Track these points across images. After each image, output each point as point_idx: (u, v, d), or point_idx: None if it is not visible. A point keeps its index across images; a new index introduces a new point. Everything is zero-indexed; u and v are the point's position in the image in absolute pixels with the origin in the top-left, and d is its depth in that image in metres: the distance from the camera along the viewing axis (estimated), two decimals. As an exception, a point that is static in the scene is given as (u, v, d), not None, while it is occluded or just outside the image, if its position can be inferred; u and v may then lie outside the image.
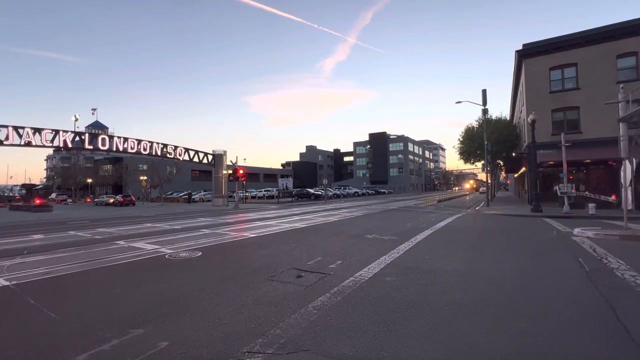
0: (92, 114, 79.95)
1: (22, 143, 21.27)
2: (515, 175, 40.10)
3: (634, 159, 10.10)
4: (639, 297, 4.41)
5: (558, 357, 2.91)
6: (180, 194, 46.39)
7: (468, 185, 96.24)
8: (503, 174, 54.43)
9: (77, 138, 24.25)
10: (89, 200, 51.53)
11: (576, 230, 10.24)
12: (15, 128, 21.07)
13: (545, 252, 7.58)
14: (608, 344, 3.14)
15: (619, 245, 8.09)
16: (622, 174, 9.94)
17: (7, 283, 5.54)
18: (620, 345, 3.11)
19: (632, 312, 3.87)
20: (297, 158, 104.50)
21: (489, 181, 28.95)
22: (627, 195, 9.94)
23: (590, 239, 9.00)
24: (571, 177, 19.41)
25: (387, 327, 3.56)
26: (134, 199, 39.84)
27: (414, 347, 3.12)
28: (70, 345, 3.27)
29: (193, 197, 44.42)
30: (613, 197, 16.77)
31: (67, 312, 4.19)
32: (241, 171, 29.12)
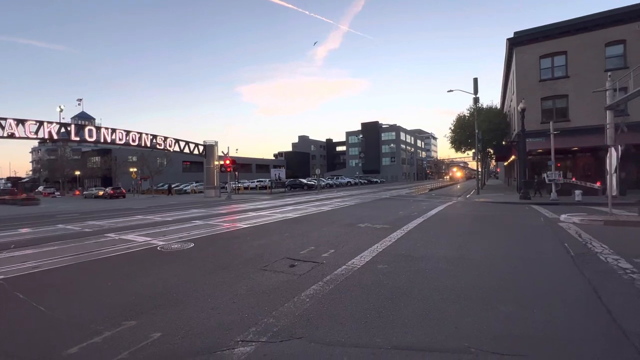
0: (78, 104, 77.81)
1: (5, 135, 20.61)
2: (505, 164, 40.65)
3: (619, 146, 10.31)
4: (621, 280, 4.56)
5: (543, 339, 3.01)
6: (172, 186, 45.86)
7: (460, 173, 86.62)
8: (493, 162, 55.11)
9: (63, 129, 23.59)
10: (77, 193, 50.61)
11: (563, 217, 10.49)
12: (-3, 119, 20.37)
13: (532, 238, 7.76)
14: (591, 325, 3.25)
15: (603, 231, 8.33)
16: (607, 161, 10.16)
17: (-5, 278, 5.44)
18: (602, 326, 3.22)
19: (614, 295, 4.01)
20: (289, 148, 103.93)
21: (480, 169, 29.31)
22: (612, 181, 10.19)
23: (576, 225, 9.24)
24: (559, 165, 19.78)
25: (379, 314, 3.62)
26: (124, 191, 39.27)
27: (406, 332, 3.19)
28: (61, 338, 3.25)
29: (185, 189, 44.01)
30: (598, 184, 17.19)
31: (58, 306, 4.14)
32: (227, 161, 28.83)
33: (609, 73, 12.45)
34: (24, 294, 4.58)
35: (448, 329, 3.23)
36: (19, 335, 3.38)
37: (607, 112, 10.86)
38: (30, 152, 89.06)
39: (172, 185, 45.44)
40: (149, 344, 3.07)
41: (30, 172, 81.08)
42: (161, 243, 8.11)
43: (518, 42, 23.24)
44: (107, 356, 2.87)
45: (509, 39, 23.98)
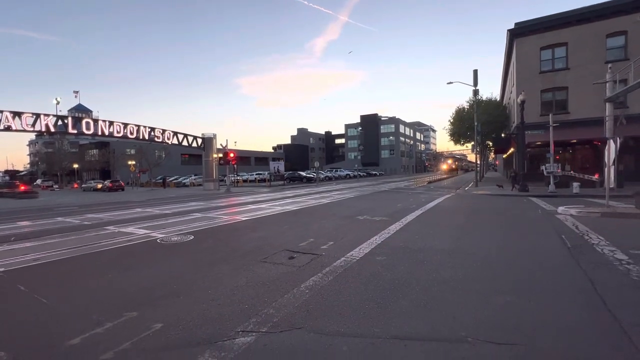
0: (75, 96, 76.91)
1: (1, 127, 20.49)
2: (504, 156, 40.67)
3: (617, 139, 10.32)
4: (617, 271, 4.62)
5: (539, 328, 3.05)
6: (170, 179, 45.80)
7: (454, 166, 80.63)
8: (492, 154, 55.10)
9: (60, 122, 23.46)
10: (76, 186, 50.45)
11: (560, 209, 10.55)
12: (-7, 112, 20.20)
13: (530, 230, 7.82)
14: (586, 315, 3.31)
15: (599, 222, 8.39)
16: (606, 153, 10.17)
17: (-5, 270, 5.47)
18: (597, 316, 3.28)
19: (609, 286, 4.06)
20: (288, 141, 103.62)
21: (478, 162, 29.31)
22: (610, 174, 10.22)
23: (573, 217, 9.30)
24: (557, 157, 19.80)
25: (377, 305, 3.66)
26: (122, 184, 39.18)
27: (404, 322, 3.23)
28: (63, 329, 3.28)
29: (184, 182, 43.95)
30: (596, 176, 17.24)
31: (59, 298, 4.18)
32: (232, 154, 28.76)
33: (609, 65, 12.37)
34: (25, 286, 4.61)
35: (446, 319, 3.28)
36: (21, 327, 3.41)
37: (607, 104, 10.82)
38: (27, 145, 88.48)
39: (170, 179, 45.34)
40: (151, 334, 3.11)
41: (28, 165, 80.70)
42: (161, 235, 8.13)
43: (519, 33, 23.02)
44: (109, 346, 2.90)
45: (509, 30, 23.76)
